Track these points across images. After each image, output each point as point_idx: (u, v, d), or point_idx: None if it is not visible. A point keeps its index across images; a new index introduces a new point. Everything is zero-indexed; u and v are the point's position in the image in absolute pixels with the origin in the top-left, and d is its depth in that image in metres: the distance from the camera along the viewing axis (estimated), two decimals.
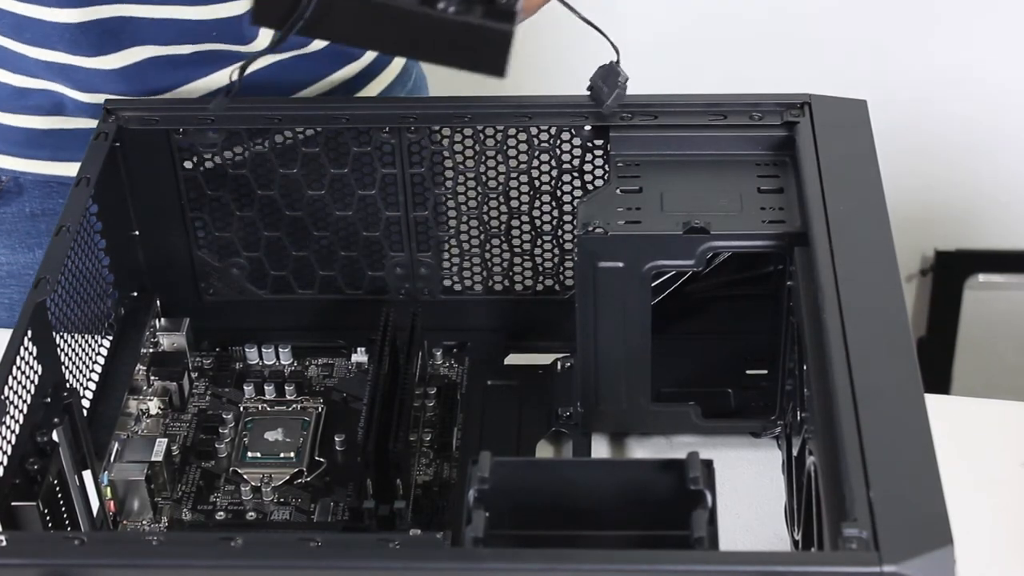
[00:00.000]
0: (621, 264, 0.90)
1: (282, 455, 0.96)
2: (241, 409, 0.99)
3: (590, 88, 0.94)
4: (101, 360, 0.96)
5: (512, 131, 0.97)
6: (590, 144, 0.97)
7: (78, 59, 1.03)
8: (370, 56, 1.13)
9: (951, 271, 1.82)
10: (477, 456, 0.74)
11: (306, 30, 0.79)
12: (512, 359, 1.05)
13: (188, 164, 0.99)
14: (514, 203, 1.00)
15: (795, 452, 0.89)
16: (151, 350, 1.01)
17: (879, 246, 0.85)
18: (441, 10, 0.75)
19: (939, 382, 1.85)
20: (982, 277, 1.82)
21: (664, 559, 0.69)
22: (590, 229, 0.90)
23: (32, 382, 0.83)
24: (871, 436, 0.73)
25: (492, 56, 0.77)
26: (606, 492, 0.75)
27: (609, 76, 0.93)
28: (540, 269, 1.03)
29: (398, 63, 1.16)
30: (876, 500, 0.70)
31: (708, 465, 0.74)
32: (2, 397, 0.79)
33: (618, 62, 0.92)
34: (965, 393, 1.11)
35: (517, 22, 0.76)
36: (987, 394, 1.07)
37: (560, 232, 1.02)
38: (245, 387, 1.01)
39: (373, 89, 1.15)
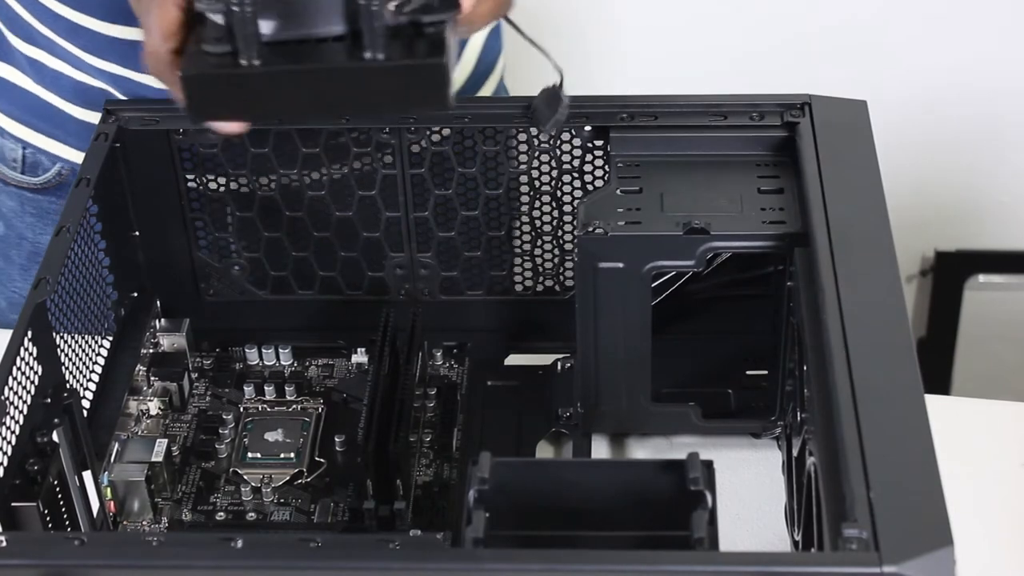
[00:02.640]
0: (621, 264, 0.90)
1: (282, 455, 0.96)
2: (241, 410, 0.99)
3: (530, 108, 0.93)
4: (101, 360, 0.96)
5: (512, 131, 0.97)
6: (590, 145, 0.97)
7: (128, 72, 1.04)
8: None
9: (951, 271, 1.82)
10: (477, 457, 0.74)
11: (248, 113, 0.78)
12: (512, 359, 1.05)
13: (188, 165, 0.99)
14: (514, 203, 1.00)
15: (795, 452, 0.89)
16: (151, 350, 1.01)
17: (879, 247, 0.85)
18: (370, 59, 0.72)
19: (939, 382, 1.85)
20: (982, 277, 1.81)
21: (664, 560, 0.69)
22: (590, 230, 0.90)
23: (32, 382, 0.83)
24: (871, 436, 0.73)
25: (432, 91, 0.74)
26: (606, 493, 0.75)
27: (552, 100, 0.91)
28: (540, 269, 1.03)
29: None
30: (876, 500, 0.70)
31: (708, 466, 0.74)
32: (2, 397, 0.79)
33: (561, 84, 0.91)
34: (965, 393, 1.11)
35: (450, 48, 0.74)
36: (987, 394, 1.07)
37: (560, 232, 1.02)
38: (245, 387, 1.01)
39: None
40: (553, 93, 0.91)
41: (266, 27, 0.73)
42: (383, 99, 0.75)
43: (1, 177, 1.13)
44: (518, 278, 1.04)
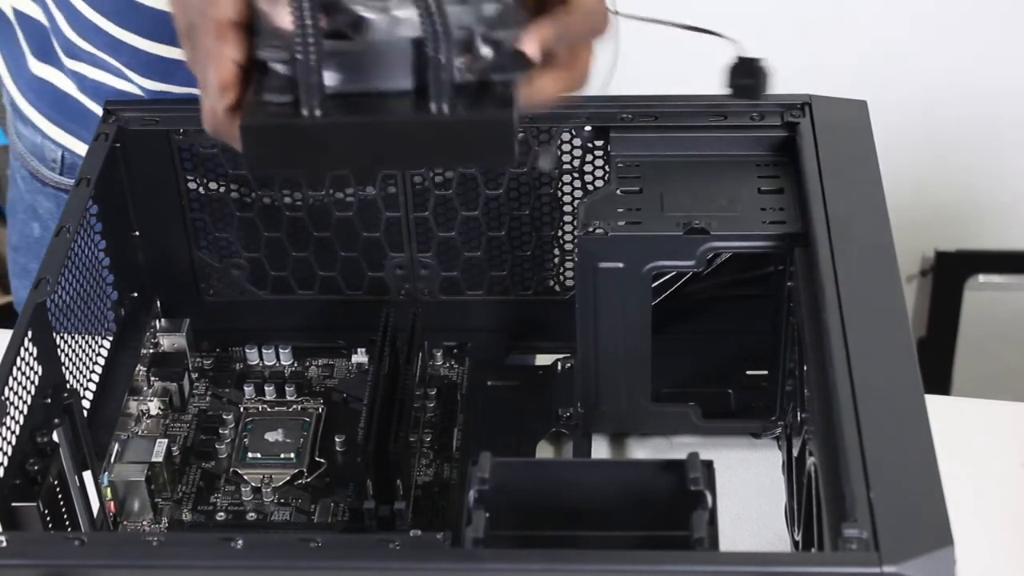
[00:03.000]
0: (621, 265, 0.90)
1: (282, 456, 0.96)
2: (241, 410, 0.99)
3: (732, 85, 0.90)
4: (101, 361, 0.96)
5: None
6: (590, 145, 0.97)
7: (169, 87, 1.04)
8: None
9: (951, 271, 1.82)
10: (477, 457, 0.74)
11: (308, 165, 0.77)
12: (512, 359, 1.05)
13: (188, 165, 0.99)
14: (514, 203, 1.00)
15: (795, 453, 0.89)
16: (151, 351, 1.01)
17: (879, 247, 0.85)
18: (436, 114, 0.70)
19: (939, 382, 1.85)
20: (982, 277, 1.82)
21: (664, 560, 0.69)
22: (590, 230, 0.90)
23: (32, 383, 0.83)
24: (871, 437, 0.73)
25: (498, 146, 0.72)
26: (606, 493, 0.75)
27: (752, 71, 0.89)
28: (540, 270, 1.03)
29: None
30: (876, 500, 0.70)
31: (708, 466, 0.74)
32: (2, 398, 0.79)
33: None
34: (965, 393, 1.11)
35: (519, 106, 0.72)
36: (987, 394, 1.07)
37: (560, 232, 1.02)
38: (245, 388, 1.01)
39: None
40: (752, 65, 0.88)
41: (330, 78, 0.71)
42: (447, 153, 0.74)
43: (40, 178, 1.13)
44: (518, 278, 1.03)
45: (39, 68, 1.09)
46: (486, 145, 0.72)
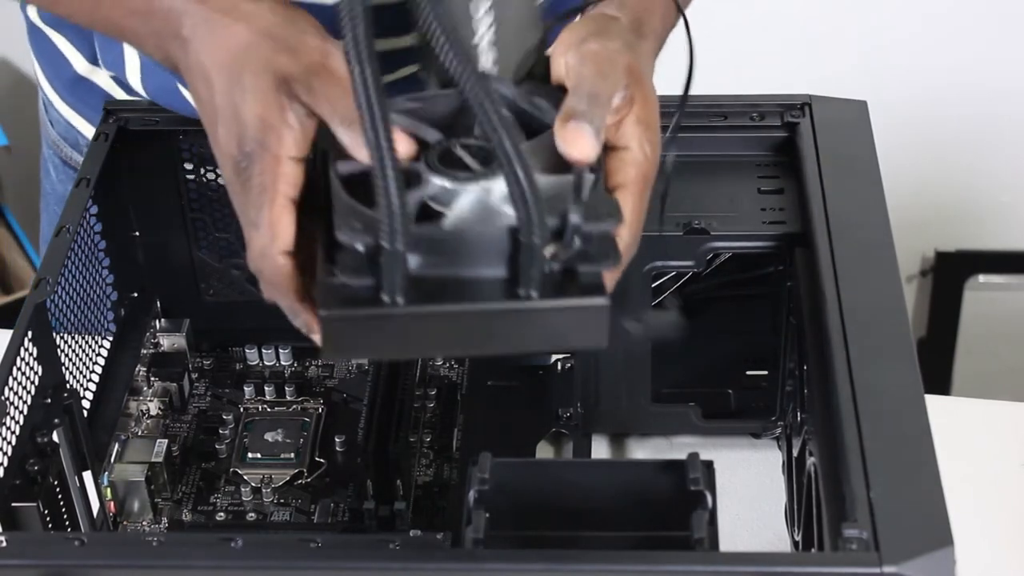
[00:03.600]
0: None
1: (282, 456, 0.96)
2: (241, 410, 0.99)
3: None
4: (101, 361, 0.96)
5: None
6: None
7: None
8: None
9: (951, 272, 1.82)
10: (477, 457, 0.74)
11: (391, 352, 0.75)
12: (511, 360, 1.05)
13: (189, 165, 0.99)
14: None
15: (795, 453, 0.89)
16: (151, 351, 1.01)
17: (879, 246, 0.85)
18: (525, 300, 0.67)
19: (939, 382, 1.85)
20: (982, 278, 1.82)
21: (665, 560, 0.69)
22: None
23: (32, 383, 0.83)
24: (871, 437, 0.73)
25: (591, 331, 0.68)
26: (606, 493, 0.75)
27: None
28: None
29: None
30: (876, 501, 0.70)
31: (708, 466, 0.74)
32: (2, 398, 0.79)
33: None
34: (965, 393, 1.11)
35: (610, 289, 0.70)
36: (987, 394, 1.07)
37: None
38: (245, 388, 1.01)
39: None
40: None
41: (412, 262, 0.67)
42: (538, 339, 0.70)
43: (73, 164, 1.11)
44: None
45: (85, 69, 1.08)
46: (579, 330, 0.69)
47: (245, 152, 0.72)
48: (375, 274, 0.67)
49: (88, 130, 1.08)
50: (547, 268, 0.67)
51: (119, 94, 1.04)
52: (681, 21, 0.83)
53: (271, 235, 0.71)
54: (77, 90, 1.07)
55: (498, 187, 0.68)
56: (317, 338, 0.70)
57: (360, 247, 0.67)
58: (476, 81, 0.65)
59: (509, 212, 0.67)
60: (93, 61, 1.05)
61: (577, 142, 0.70)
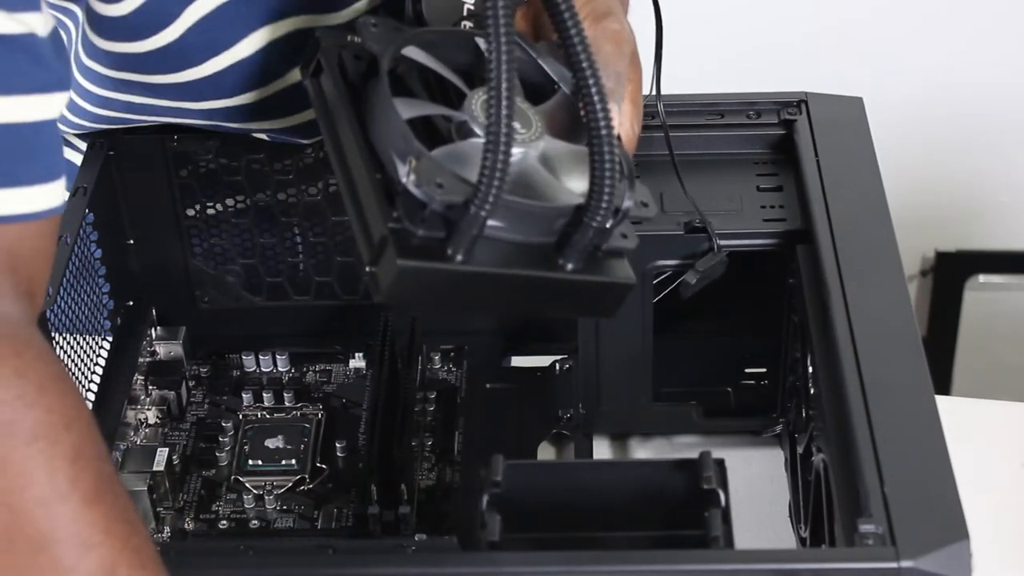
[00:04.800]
0: None
1: (283, 462, 0.95)
2: (240, 417, 0.99)
3: None
4: (99, 370, 0.95)
5: None
6: None
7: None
8: None
9: (951, 272, 1.82)
10: (479, 459, 0.74)
11: (442, 304, 0.78)
12: (509, 361, 1.05)
13: (183, 172, 0.98)
14: None
15: (800, 450, 0.89)
16: (148, 359, 1.01)
17: (881, 241, 0.85)
18: (570, 272, 0.72)
19: (939, 382, 1.84)
20: (982, 278, 1.82)
21: (683, 559, 0.69)
22: None
23: None
24: (883, 432, 0.73)
25: (610, 304, 0.75)
26: (618, 493, 0.75)
27: None
28: None
29: None
30: (891, 495, 0.70)
31: (720, 464, 0.74)
32: None
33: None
34: (965, 393, 1.11)
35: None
36: (987, 394, 1.07)
37: None
38: (243, 395, 1.00)
39: None
40: None
41: None
42: (567, 305, 0.76)
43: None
44: None
45: None
46: (602, 303, 0.75)
47: None
48: (448, 231, 0.69)
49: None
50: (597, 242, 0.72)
51: None
52: None
53: None
54: None
55: (552, 151, 0.73)
56: None
57: (438, 205, 0.69)
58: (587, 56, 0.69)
59: (551, 178, 0.72)
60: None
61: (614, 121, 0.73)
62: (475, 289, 0.72)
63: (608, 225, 0.71)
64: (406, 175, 0.69)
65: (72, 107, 0.95)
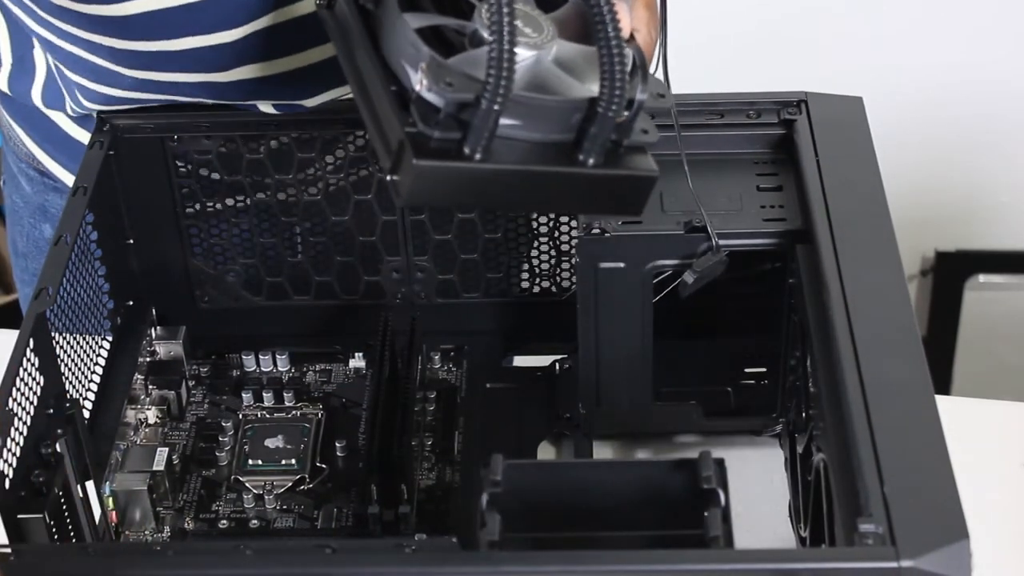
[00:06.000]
0: (622, 264, 0.90)
1: (283, 462, 0.95)
2: (240, 417, 0.99)
3: None
4: (99, 370, 0.95)
5: None
6: None
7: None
8: None
9: (951, 271, 1.82)
10: (479, 459, 0.74)
11: (462, 201, 0.82)
12: (509, 361, 1.05)
13: (183, 171, 0.98)
14: None
15: (800, 449, 0.89)
16: (148, 359, 1.01)
17: (881, 240, 0.85)
18: (591, 167, 0.73)
19: (939, 382, 1.84)
20: (982, 277, 1.82)
21: (683, 559, 0.69)
22: (591, 230, 0.90)
23: (35, 393, 0.82)
24: (883, 432, 0.73)
25: (635, 200, 0.76)
26: (618, 493, 0.75)
27: None
28: (536, 271, 1.03)
29: None
30: (891, 495, 0.70)
31: (720, 463, 0.74)
32: (7, 409, 0.78)
33: None
34: (965, 393, 1.11)
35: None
36: (987, 394, 1.07)
37: (556, 234, 1.02)
38: (243, 394, 1.00)
39: None
40: None
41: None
42: (591, 202, 0.77)
43: (52, 176, 1.10)
44: (514, 280, 1.03)
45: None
46: (626, 199, 0.76)
47: None
48: (463, 131, 0.70)
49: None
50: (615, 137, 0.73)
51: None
52: None
53: None
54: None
55: (565, 53, 0.74)
56: None
57: (450, 105, 0.70)
58: None
59: (567, 78, 0.73)
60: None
61: (623, 20, 0.74)
62: (495, 187, 0.73)
63: (623, 116, 0.72)
64: (419, 81, 0.71)
65: (80, 88, 0.96)
